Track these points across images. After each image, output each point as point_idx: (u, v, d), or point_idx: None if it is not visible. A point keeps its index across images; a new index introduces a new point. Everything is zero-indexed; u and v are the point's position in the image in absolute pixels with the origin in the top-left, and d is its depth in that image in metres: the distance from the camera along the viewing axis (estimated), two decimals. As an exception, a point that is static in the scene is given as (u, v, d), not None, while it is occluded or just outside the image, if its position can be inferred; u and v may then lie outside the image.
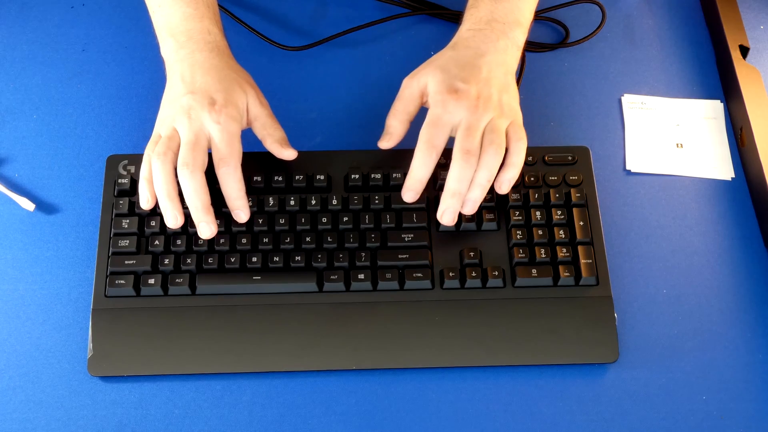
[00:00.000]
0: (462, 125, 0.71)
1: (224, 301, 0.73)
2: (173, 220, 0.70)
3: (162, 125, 0.73)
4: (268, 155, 0.77)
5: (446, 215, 0.72)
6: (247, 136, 0.85)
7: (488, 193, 0.73)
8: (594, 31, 0.91)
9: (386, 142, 0.76)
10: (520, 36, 0.76)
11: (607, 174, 0.83)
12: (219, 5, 0.93)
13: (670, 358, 0.73)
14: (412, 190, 0.73)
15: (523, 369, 0.72)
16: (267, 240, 0.74)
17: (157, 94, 0.86)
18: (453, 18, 0.92)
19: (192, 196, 0.70)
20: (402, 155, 0.77)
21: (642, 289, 0.76)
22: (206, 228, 0.71)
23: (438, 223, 0.75)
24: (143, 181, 0.72)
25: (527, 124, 0.82)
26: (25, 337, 0.73)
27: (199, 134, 0.70)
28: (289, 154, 0.75)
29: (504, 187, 0.73)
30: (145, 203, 0.72)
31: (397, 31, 0.92)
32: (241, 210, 0.73)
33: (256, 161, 0.78)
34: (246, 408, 0.70)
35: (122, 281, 0.72)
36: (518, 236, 0.75)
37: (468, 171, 0.70)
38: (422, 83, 0.74)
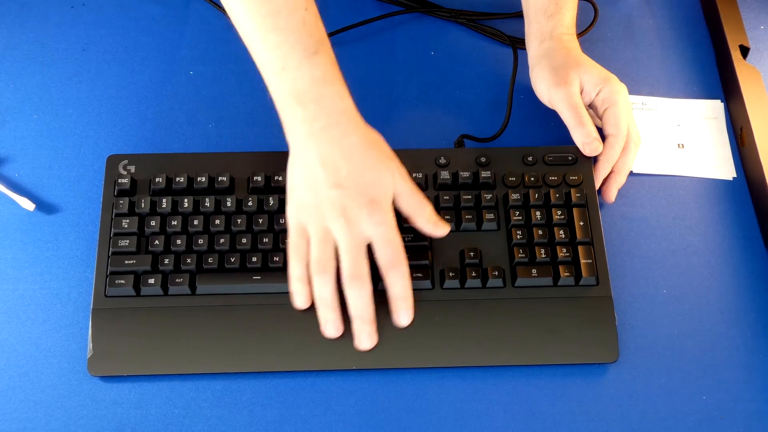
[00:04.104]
0: (625, 106, 0.79)
1: (224, 301, 0.73)
2: (336, 331, 0.70)
3: (306, 216, 0.69)
4: (268, 155, 0.77)
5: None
6: (246, 135, 0.85)
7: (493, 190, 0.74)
8: (585, 30, 0.91)
9: (599, 143, 0.78)
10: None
11: (608, 174, 0.83)
12: (216, 5, 0.93)
13: (670, 358, 0.73)
14: (622, 181, 0.80)
15: (523, 369, 0.72)
16: (267, 240, 0.74)
17: (157, 94, 0.87)
18: (448, 16, 0.92)
19: (361, 309, 0.69)
20: (401, 155, 0.77)
21: (642, 289, 0.76)
22: (367, 339, 0.70)
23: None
24: (296, 281, 0.70)
25: (527, 123, 0.82)
26: (25, 337, 0.73)
27: (360, 240, 0.68)
28: (442, 231, 0.73)
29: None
30: (303, 304, 0.71)
31: (397, 31, 0.92)
32: (405, 311, 0.70)
33: (255, 160, 0.78)
34: (246, 408, 0.70)
35: (122, 281, 0.72)
36: (518, 236, 0.75)
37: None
38: (576, 86, 0.80)
